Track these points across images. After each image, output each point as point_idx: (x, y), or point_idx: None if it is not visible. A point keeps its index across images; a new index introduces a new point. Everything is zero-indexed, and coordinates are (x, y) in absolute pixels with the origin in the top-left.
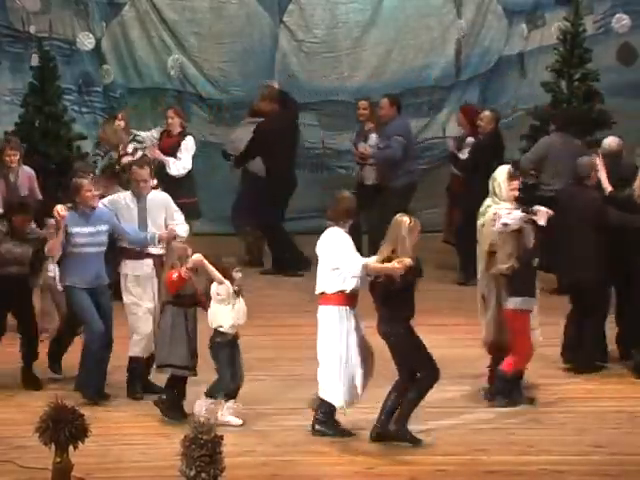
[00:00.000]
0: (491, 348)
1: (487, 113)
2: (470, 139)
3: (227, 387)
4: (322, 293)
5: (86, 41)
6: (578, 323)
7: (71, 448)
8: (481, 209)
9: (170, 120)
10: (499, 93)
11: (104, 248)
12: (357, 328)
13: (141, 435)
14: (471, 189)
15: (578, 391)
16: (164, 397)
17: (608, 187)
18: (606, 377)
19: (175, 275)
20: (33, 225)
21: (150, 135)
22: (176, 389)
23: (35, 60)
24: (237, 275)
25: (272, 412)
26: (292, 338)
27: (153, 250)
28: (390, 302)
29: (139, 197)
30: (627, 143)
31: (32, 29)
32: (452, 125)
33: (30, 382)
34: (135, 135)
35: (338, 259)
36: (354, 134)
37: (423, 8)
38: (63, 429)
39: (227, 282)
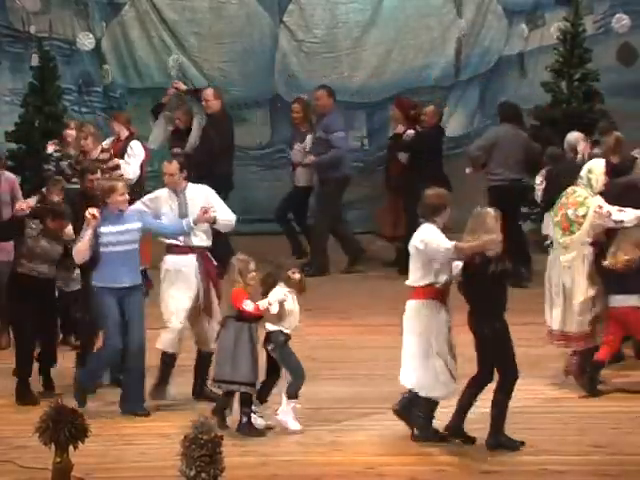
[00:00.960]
0: (585, 340)
1: (431, 107)
2: (410, 131)
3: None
4: (413, 287)
5: (86, 41)
6: None
7: (71, 448)
8: (578, 199)
9: (116, 128)
10: (499, 93)
11: (136, 246)
12: (448, 321)
13: (141, 435)
14: (414, 183)
15: (578, 391)
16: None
17: None
18: (606, 377)
19: (251, 307)
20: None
21: (110, 143)
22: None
23: (35, 60)
24: (295, 277)
25: (272, 412)
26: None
27: (195, 242)
28: (485, 295)
29: (176, 192)
30: (627, 143)
31: (32, 29)
32: (452, 125)
33: (26, 395)
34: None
35: (430, 248)
36: (291, 136)
37: (423, 8)
38: (63, 429)
39: (279, 292)
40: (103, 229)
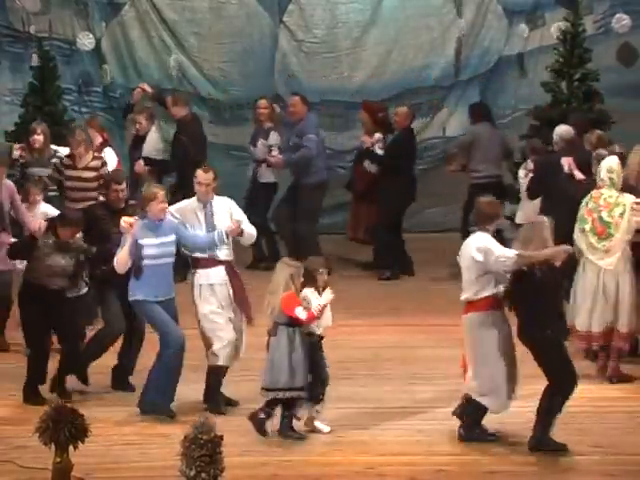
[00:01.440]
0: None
1: (403, 109)
2: (378, 135)
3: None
4: (470, 301)
5: (86, 41)
6: None
7: (71, 448)
8: (610, 200)
9: (90, 134)
10: (499, 93)
11: (172, 259)
12: (508, 330)
13: (141, 435)
14: (389, 186)
15: (578, 391)
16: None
17: (580, 174)
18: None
19: (305, 316)
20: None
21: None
22: (272, 407)
23: (35, 60)
24: (324, 277)
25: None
26: None
27: (222, 256)
28: (539, 302)
29: (204, 203)
30: (627, 143)
31: (32, 29)
32: (452, 125)
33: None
34: (55, 151)
35: (490, 258)
36: (254, 133)
37: (423, 8)
38: (63, 429)
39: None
40: (144, 241)
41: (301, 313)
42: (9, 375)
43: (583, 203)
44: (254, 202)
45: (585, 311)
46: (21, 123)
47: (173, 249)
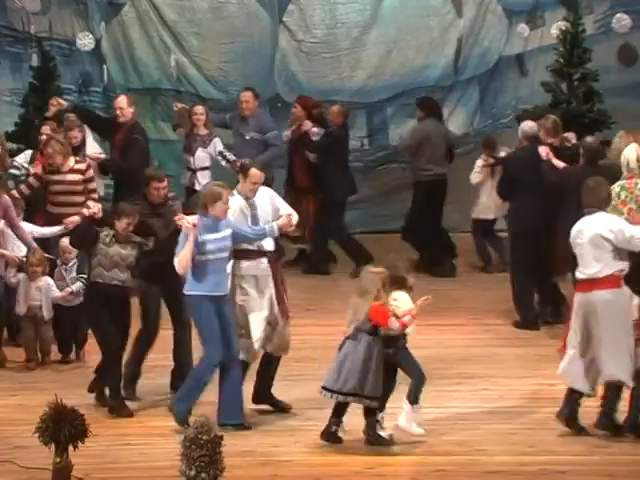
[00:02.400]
0: None
1: (336, 107)
2: (315, 129)
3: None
4: (598, 278)
5: (86, 41)
6: None
7: (71, 448)
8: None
9: (45, 137)
10: (499, 93)
11: (228, 254)
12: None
13: (141, 435)
14: (327, 181)
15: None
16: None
17: (560, 162)
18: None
19: (397, 325)
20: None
21: (24, 159)
22: (339, 416)
23: (35, 60)
24: (411, 281)
25: (272, 412)
26: (292, 338)
27: (266, 247)
28: None
29: (250, 197)
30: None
31: (32, 29)
32: (452, 125)
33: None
34: (13, 161)
35: (622, 236)
36: (189, 140)
37: (423, 8)
38: (63, 429)
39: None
40: (205, 237)
41: (394, 323)
42: (9, 375)
43: (613, 195)
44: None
45: None
46: (21, 123)
47: (229, 244)
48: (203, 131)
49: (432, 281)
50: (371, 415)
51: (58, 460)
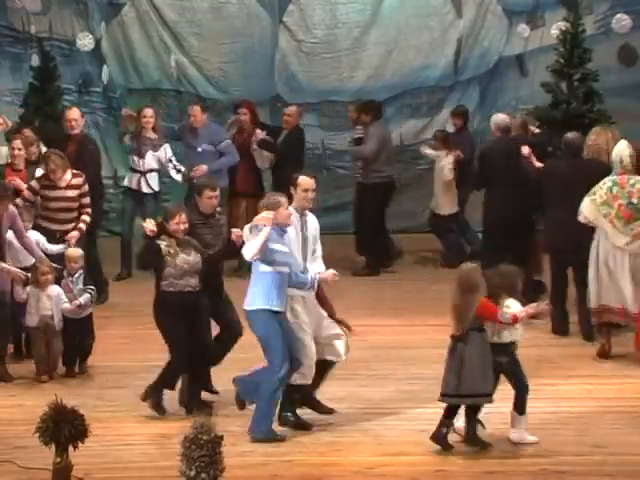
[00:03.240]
0: None
1: (293, 108)
2: (260, 132)
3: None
4: None
5: (86, 41)
6: None
7: (71, 448)
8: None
9: (17, 151)
10: (499, 93)
11: (288, 270)
12: None
13: (141, 435)
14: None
15: (578, 391)
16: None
17: (538, 163)
18: (606, 377)
19: (508, 318)
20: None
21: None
22: (451, 418)
23: (35, 60)
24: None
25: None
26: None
27: None
28: None
29: (302, 214)
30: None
31: (32, 29)
32: (452, 125)
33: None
34: None
35: None
36: (138, 143)
37: (423, 8)
38: (63, 429)
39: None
40: (273, 246)
41: (504, 315)
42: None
43: (605, 189)
44: (144, 212)
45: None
46: (21, 123)
47: (291, 260)
48: (152, 134)
49: (432, 281)
50: (474, 414)
51: (58, 460)
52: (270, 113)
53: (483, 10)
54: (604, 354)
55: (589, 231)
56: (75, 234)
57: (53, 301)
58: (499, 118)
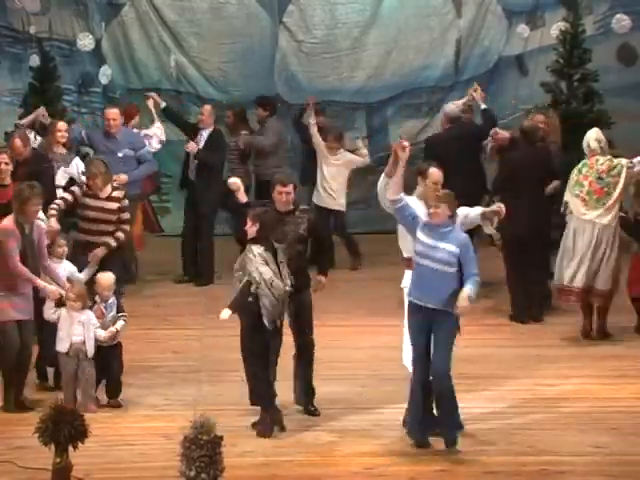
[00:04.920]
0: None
1: (208, 107)
2: (192, 146)
3: None
4: None
5: (86, 41)
6: None
7: (71, 448)
8: (608, 163)
9: (4, 166)
10: (499, 93)
11: (450, 270)
12: None
13: (141, 435)
14: (212, 185)
15: (578, 391)
16: None
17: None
18: (606, 377)
19: None
20: None
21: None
22: None
23: (35, 60)
24: None
25: None
26: (292, 338)
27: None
28: None
29: (433, 201)
30: (627, 144)
31: (32, 29)
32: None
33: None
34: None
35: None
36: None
37: (423, 8)
38: (63, 429)
39: None
40: (419, 234)
41: None
42: None
43: (575, 171)
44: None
45: (572, 267)
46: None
47: (449, 259)
48: (62, 149)
49: None
50: None
51: (58, 460)
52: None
53: (483, 10)
54: (587, 334)
55: (548, 216)
56: (101, 251)
57: (85, 327)
58: (449, 108)
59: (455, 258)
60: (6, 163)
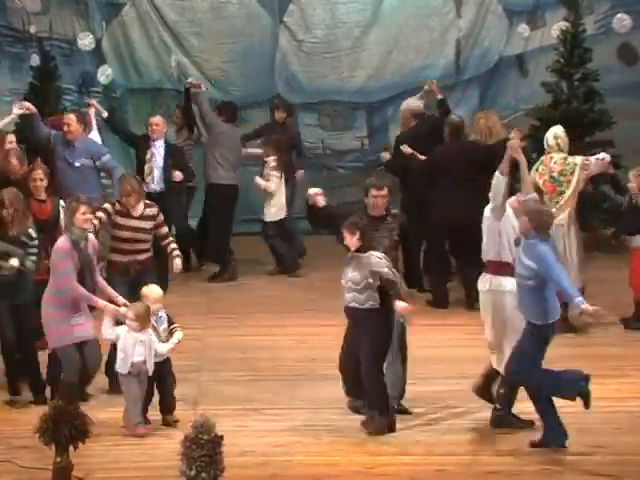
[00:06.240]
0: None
1: (160, 117)
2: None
3: None
4: None
5: (86, 41)
6: None
7: (71, 448)
8: (560, 161)
9: (39, 182)
10: (499, 93)
11: (527, 282)
12: None
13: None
14: (179, 197)
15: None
16: None
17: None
18: (606, 377)
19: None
20: None
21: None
22: None
23: (35, 60)
24: None
25: (272, 412)
26: (292, 338)
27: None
28: None
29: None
30: (627, 143)
31: (32, 29)
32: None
33: None
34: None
35: None
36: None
37: (423, 8)
38: (63, 429)
39: None
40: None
41: None
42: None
43: (534, 169)
44: None
45: None
46: (21, 123)
47: (537, 272)
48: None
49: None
50: None
51: (58, 460)
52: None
53: (483, 10)
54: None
55: (476, 207)
56: (179, 262)
57: (146, 346)
58: (414, 104)
59: None
60: (40, 179)
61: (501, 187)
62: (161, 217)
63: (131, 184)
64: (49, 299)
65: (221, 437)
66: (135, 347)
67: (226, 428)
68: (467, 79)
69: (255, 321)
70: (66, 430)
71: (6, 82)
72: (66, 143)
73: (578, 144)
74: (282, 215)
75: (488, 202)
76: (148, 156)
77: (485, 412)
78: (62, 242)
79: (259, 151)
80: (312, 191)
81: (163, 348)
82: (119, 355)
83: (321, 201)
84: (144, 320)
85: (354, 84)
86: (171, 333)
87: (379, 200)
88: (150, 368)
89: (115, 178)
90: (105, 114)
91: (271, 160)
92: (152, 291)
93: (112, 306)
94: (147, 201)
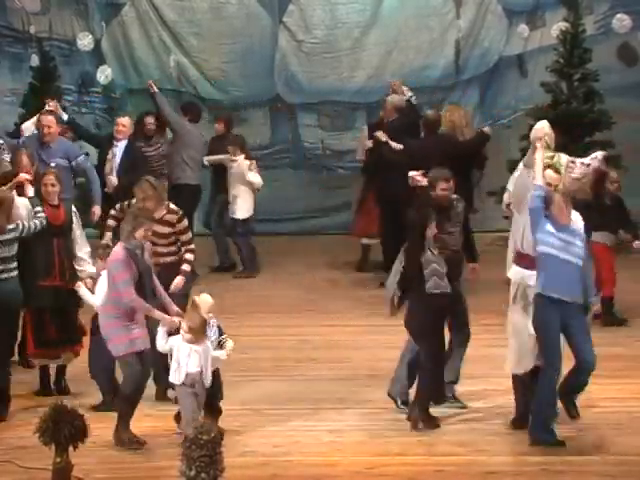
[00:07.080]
0: None
1: (127, 118)
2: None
3: None
4: None
5: (86, 41)
6: None
7: (71, 448)
8: (546, 160)
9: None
10: (499, 93)
11: (581, 264)
12: None
13: (141, 435)
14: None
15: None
16: None
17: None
18: (606, 377)
19: None
20: None
21: None
22: None
23: (35, 60)
24: None
25: (272, 412)
26: (292, 338)
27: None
28: None
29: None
30: (627, 143)
31: (32, 29)
32: None
33: None
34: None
35: None
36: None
37: (423, 8)
38: (63, 429)
39: None
40: (548, 227)
41: None
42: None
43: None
44: None
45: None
46: (21, 123)
47: (581, 254)
48: None
49: None
50: None
51: (58, 460)
52: (270, 113)
53: (483, 10)
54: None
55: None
56: (180, 281)
57: (202, 357)
58: (396, 98)
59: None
60: (52, 184)
61: (526, 181)
62: (183, 224)
63: (144, 191)
64: (108, 308)
65: (221, 437)
66: (190, 357)
67: (226, 428)
68: (467, 79)
69: (255, 321)
70: (66, 430)
71: (6, 82)
72: (41, 144)
73: (578, 144)
74: (251, 212)
75: (465, 195)
76: (109, 156)
77: (485, 412)
78: (117, 252)
79: (222, 156)
80: (412, 173)
81: (218, 354)
82: (172, 365)
83: (423, 181)
84: (198, 333)
85: (354, 84)
86: (220, 344)
87: (449, 192)
88: (207, 379)
89: (91, 178)
90: (65, 116)
91: (242, 159)
92: (203, 300)
93: (169, 318)
94: (173, 207)
